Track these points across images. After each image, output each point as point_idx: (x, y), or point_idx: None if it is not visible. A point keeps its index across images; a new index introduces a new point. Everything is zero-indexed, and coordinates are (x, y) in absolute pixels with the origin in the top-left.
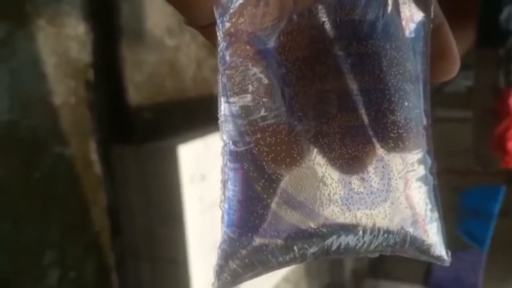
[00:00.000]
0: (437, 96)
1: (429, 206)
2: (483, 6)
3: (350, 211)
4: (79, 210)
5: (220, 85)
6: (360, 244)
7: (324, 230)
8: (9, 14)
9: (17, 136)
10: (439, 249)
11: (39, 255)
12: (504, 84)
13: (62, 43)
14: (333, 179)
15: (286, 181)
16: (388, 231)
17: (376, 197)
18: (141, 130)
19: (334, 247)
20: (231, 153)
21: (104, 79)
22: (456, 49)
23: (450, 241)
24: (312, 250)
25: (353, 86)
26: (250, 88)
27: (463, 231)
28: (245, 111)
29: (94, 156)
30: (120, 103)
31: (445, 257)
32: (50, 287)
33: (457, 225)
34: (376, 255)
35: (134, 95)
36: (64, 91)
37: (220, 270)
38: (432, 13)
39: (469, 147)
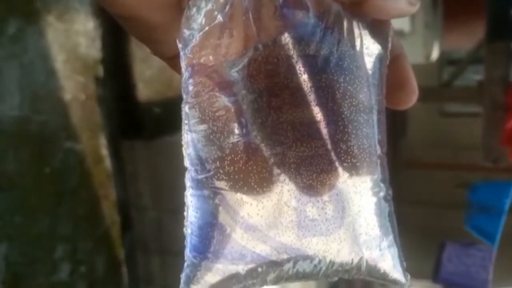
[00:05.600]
0: (447, 90)
1: (383, 233)
2: None
3: (305, 237)
4: (90, 205)
5: (183, 113)
6: (317, 270)
7: (281, 257)
8: (20, 10)
9: (28, 132)
10: (396, 274)
11: (50, 249)
12: None
13: (72, 39)
14: (288, 207)
15: (244, 209)
16: (343, 257)
17: (330, 224)
18: (150, 125)
19: (292, 272)
20: (193, 180)
21: (113, 74)
22: (414, 79)
23: (459, 236)
24: (269, 277)
25: (307, 117)
26: (212, 116)
27: (472, 226)
28: (206, 139)
29: (104, 151)
30: (130, 98)
31: (403, 281)
32: (61, 280)
33: (466, 220)
34: (335, 278)
35: (144, 91)
36: (73, 86)
37: None
38: (390, 45)
39: (479, 142)
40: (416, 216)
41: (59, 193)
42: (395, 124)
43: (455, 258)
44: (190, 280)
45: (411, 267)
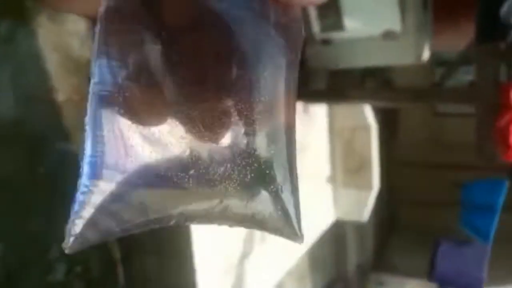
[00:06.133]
0: (439, 91)
1: (282, 180)
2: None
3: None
4: None
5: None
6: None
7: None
8: (10, 11)
9: (21, 133)
10: (292, 225)
11: (45, 249)
12: (505, 78)
13: (64, 40)
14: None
15: (143, 137)
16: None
17: (226, 169)
18: None
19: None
20: (102, 97)
21: None
22: None
23: (454, 235)
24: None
25: (202, 61)
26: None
27: (466, 225)
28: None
29: None
30: None
31: (298, 233)
32: (57, 280)
33: (460, 219)
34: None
35: None
36: (67, 87)
37: (76, 223)
38: None
39: (472, 141)
40: (409, 215)
41: (54, 194)
42: (387, 123)
43: (449, 256)
44: (86, 205)
45: (406, 266)
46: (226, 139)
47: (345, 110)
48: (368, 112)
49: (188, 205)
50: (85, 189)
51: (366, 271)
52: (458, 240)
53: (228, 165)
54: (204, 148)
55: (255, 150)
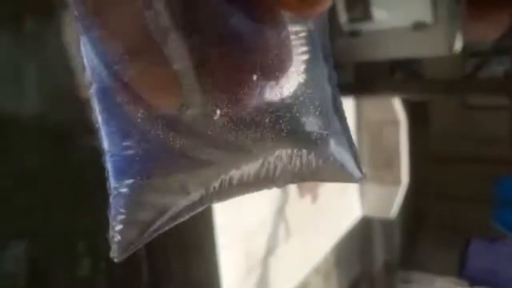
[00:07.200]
0: (471, 82)
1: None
2: None
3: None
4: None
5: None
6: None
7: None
8: (38, 8)
9: (47, 128)
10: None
11: (71, 245)
12: None
13: None
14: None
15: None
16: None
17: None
18: None
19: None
20: (103, 90)
21: None
22: None
23: (486, 231)
24: (201, 190)
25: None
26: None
27: (499, 221)
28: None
29: None
30: None
31: (358, 175)
32: (83, 276)
33: (493, 215)
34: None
35: None
36: None
37: (116, 230)
38: None
39: (504, 135)
40: (438, 212)
41: (79, 189)
42: (416, 117)
43: (481, 253)
44: (124, 206)
45: (435, 263)
46: (250, 101)
47: (373, 103)
48: (397, 106)
49: (229, 173)
50: (115, 192)
51: (394, 268)
52: (490, 237)
53: (257, 126)
54: (228, 116)
55: (282, 100)
